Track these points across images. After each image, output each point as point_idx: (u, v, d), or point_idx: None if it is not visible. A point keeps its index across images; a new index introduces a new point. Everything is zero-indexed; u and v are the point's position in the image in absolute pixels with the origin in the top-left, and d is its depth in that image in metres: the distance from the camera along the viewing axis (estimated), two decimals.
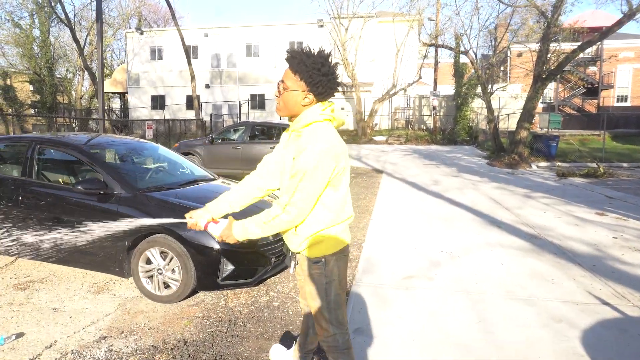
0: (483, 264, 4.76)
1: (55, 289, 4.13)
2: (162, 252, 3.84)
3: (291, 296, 3.99)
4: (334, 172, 1.92)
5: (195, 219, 2.20)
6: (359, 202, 8.57)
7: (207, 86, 31.63)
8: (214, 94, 31.94)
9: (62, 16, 24.14)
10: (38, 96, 36.13)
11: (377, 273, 4.46)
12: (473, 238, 5.82)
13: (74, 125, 29.53)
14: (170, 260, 3.79)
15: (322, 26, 29.12)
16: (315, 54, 1.95)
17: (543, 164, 14.85)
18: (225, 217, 2.21)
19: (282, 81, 2.00)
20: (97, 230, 4.03)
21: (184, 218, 2.26)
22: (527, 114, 15.23)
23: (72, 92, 38.90)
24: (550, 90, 31.44)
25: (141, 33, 32.40)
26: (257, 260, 3.96)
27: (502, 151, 16.78)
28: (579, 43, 14.78)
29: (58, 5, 24.73)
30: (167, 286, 3.85)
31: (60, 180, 4.62)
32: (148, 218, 3.79)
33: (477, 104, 26.38)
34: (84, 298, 3.94)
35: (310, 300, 2.15)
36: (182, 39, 21.89)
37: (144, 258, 3.86)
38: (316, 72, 1.91)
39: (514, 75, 30.19)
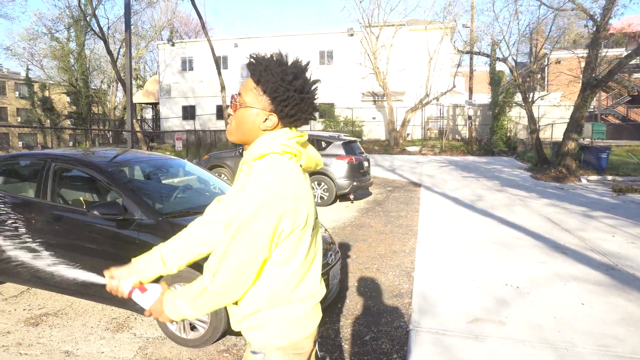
0: (560, 303, 4.04)
1: (70, 324, 3.66)
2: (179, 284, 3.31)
3: (339, 344, 3.39)
4: (280, 230, 1.27)
5: (116, 280, 1.57)
6: (400, 221, 7.91)
7: None
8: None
9: (97, 29, 24.52)
10: (74, 107, 36.99)
11: (436, 314, 3.81)
12: (538, 268, 5.08)
13: (108, 136, 30.01)
14: None
15: (352, 35, 28.65)
16: (289, 62, 1.37)
17: (593, 177, 13.79)
18: (158, 279, 1.58)
19: (239, 94, 1.41)
20: (116, 260, 3.57)
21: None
22: (574, 124, 14.23)
23: (107, 103, 39.71)
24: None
25: (172, 44, 32.74)
26: None
27: (546, 163, 15.78)
28: (622, 49, 13.72)
29: (93, 19, 25.16)
30: (193, 328, 3.32)
31: (77, 202, 4.19)
32: None
33: (514, 113, 25.28)
34: (101, 338, 3.44)
35: None
36: (212, 50, 21.81)
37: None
38: (286, 85, 1.32)
39: (554, 83, 28.90)
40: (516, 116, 25.45)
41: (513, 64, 17.42)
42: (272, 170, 1.29)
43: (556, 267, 5.09)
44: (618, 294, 4.25)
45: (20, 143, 38.55)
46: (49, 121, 36.88)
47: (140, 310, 3.45)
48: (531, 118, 17.21)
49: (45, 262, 3.81)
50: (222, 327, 3.21)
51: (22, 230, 3.89)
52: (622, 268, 5.06)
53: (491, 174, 15.38)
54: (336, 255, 3.88)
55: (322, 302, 3.55)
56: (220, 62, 23.77)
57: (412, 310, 3.91)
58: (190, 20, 44.69)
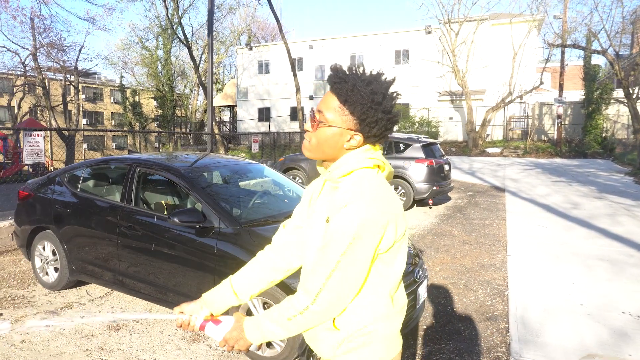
0: None
1: (148, 331, 3.65)
2: (264, 303, 3.14)
3: None
4: (384, 243, 1.26)
5: (186, 314, 1.49)
6: (485, 230, 7.30)
7: (311, 97, 31.83)
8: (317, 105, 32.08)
9: (182, 37, 25.87)
10: (160, 111, 39.46)
11: (541, 344, 3.31)
12: None
13: (189, 138, 31.64)
14: None
15: (429, 33, 27.64)
16: (376, 78, 1.28)
17: None
18: (228, 312, 1.52)
19: (320, 111, 1.32)
20: (193, 269, 3.49)
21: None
22: None
23: (189, 107, 41.95)
24: None
25: (250, 49, 33.76)
26: None
27: None
28: None
29: (179, 27, 26.62)
30: (269, 344, 3.14)
31: (158, 206, 4.21)
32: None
33: (612, 111, 22.91)
34: (177, 348, 3.38)
35: None
36: (289, 52, 22.08)
37: (244, 308, 3.19)
38: (375, 107, 1.26)
39: None
40: (614, 114, 23.05)
41: (614, 56, 15.70)
42: (368, 185, 1.26)
43: None
44: None
45: (113, 145, 41.88)
46: (138, 124, 39.71)
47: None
48: (635, 116, 15.44)
49: (127, 266, 3.86)
50: (300, 346, 2.99)
51: (107, 233, 3.97)
52: None
53: (585, 178, 13.95)
54: (424, 271, 3.52)
55: (408, 322, 3.16)
56: (295, 64, 24.03)
57: (511, 338, 3.44)
58: (267, 25, 45.94)
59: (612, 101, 21.01)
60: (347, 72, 1.28)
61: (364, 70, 1.30)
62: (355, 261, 1.21)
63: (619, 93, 20.43)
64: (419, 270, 3.42)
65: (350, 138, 1.29)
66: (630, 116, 15.36)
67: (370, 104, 1.25)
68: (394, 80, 1.35)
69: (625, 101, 15.82)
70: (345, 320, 1.30)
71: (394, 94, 1.31)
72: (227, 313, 1.51)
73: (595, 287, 4.53)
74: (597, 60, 22.38)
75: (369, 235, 1.20)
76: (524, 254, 5.80)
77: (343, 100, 1.26)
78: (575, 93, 26.51)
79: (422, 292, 3.50)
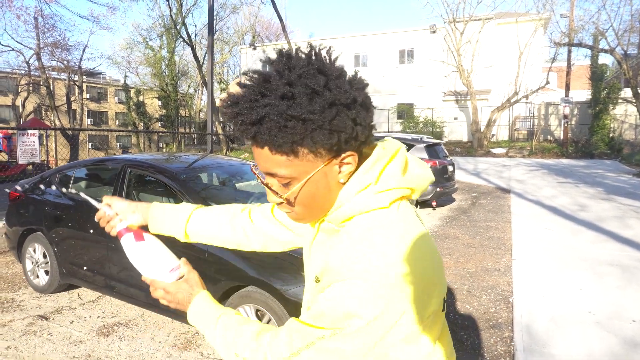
0: None
1: (139, 337, 3.52)
2: (257, 311, 3.00)
3: None
4: (400, 331, 0.76)
5: (112, 210, 1.14)
6: (490, 232, 7.13)
7: None
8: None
9: (185, 36, 25.84)
10: (164, 110, 39.44)
11: (547, 355, 3.15)
12: None
13: (193, 138, 31.60)
14: (267, 322, 2.94)
15: (434, 32, 27.44)
16: (297, 71, 0.76)
17: None
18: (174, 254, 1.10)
19: (272, 174, 0.82)
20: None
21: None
22: None
23: (193, 106, 41.92)
24: None
25: (254, 48, 33.67)
26: None
27: None
28: None
29: (182, 27, 26.57)
30: None
31: None
32: (244, 266, 3.01)
33: (619, 110, 22.62)
34: (168, 356, 3.25)
35: None
36: None
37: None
38: (347, 113, 0.76)
39: None
40: (621, 114, 22.76)
41: (622, 55, 15.45)
42: (382, 249, 0.76)
43: None
44: None
45: (118, 144, 41.90)
46: (142, 124, 39.73)
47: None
48: None
49: (118, 270, 3.73)
50: None
51: (97, 236, 3.84)
52: None
53: (592, 179, 13.73)
54: None
55: None
56: None
57: (515, 348, 3.28)
58: (271, 24, 45.84)
59: (620, 101, 20.75)
60: (244, 93, 0.77)
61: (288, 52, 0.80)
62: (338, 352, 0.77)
63: (626, 93, 20.14)
64: None
65: (339, 169, 0.82)
66: (638, 116, 15.10)
67: (319, 114, 0.74)
68: (336, 58, 0.81)
69: (634, 101, 15.57)
70: None
71: (340, 73, 0.78)
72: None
73: (604, 294, 4.36)
74: (605, 59, 22.08)
75: (389, 319, 0.74)
76: (530, 258, 5.63)
77: (293, 141, 0.76)
78: (582, 93, 26.20)
79: None
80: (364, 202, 0.81)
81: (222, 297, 3.10)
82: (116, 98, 46.54)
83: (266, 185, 0.86)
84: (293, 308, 2.81)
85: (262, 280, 2.91)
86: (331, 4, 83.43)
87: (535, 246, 6.22)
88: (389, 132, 24.63)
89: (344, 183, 0.83)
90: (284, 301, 2.85)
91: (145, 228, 1.16)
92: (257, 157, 0.83)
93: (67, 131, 21.43)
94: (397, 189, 0.83)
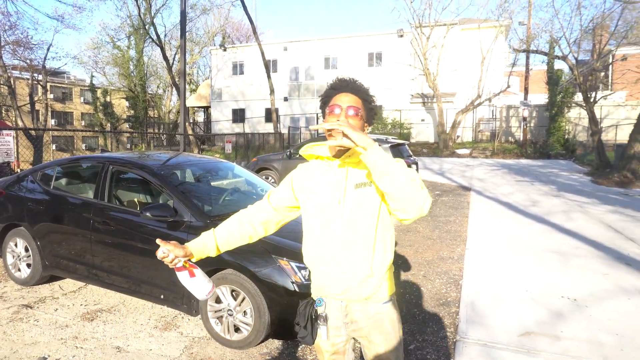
0: (623, 318, 3.75)
1: (122, 321, 3.82)
2: (232, 291, 3.37)
3: None
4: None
5: (169, 252, 1.69)
6: (448, 226, 7.68)
7: (286, 99, 32.02)
8: (292, 106, 32.25)
9: (154, 37, 25.67)
10: (132, 111, 38.90)
11: (486, 325, 3.64)
12: (599, 280, 4.76)
13: (162, 139, 31.34)
14: (242, 301, 3.31)
15: (401, 36, 28.23)
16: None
17: None
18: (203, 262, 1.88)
19: (353, 106, 1.68)
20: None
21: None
22: None
23: (162, 107, 41.47)
24: None
25: (224, 50, 33.67)
26: None
27: (608, 167, 14.83)
28: None
29: (151, 27, 26.38)
30: (237, 329, 3.36)
31: (131, 203, 4.37)
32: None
33: (574, 114, 23.96)
34: (150, 335, 3.56)
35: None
36: (263, 54, 22.22)
37: (213, 296, 3.41)
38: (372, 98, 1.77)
39: (619, 81, 27.08)
40: (575, 117, 24.10)
41: (574, 61, 16.46)
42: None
43: (620, 281, 4.74)
44: None
45: (84, 145, 41.02)
46: (109, 125, 39.07)
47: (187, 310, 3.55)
48: (592, 119, 16.25)
49: (100, 260, 4.01)
50: (265, 331, 3.22)
51: (81, 229, 4.11)
52: None
53: (547, 178, 14.64)
54: None
55: None
56: (270, 66, 24.18)
57: (460, 320, 3.76)
58: (242, 26, 45.84)
59: (574, 105, 22.01)
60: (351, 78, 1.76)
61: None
62: None
63: (579, 97, 21.38)
64: None
65: (366, 128, 1.75)
66: (588, 119, 16.16)
67: (370, 97, 1.75)
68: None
69: (585, 105, 16.62)
70: (378, 264, 1.78)
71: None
72: (203, 268, 1.81)
73: (541, 275, 4.93)
74: (561, 65, 23.33)
75: None
76: (482, 248, 6.18)
77: (363, 99, 1.70)
78: (540, 96, 27.56)
79: None
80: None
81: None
82: (82, 98, 45.52)
83: (349, 111, 1.66)
84: (266, 288, 3.19)
85: (237, 263, 3.27)
86: (302, 5, 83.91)
87: (488, 237, 6.79)
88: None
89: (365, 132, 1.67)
90: (257, 282, 3.22)
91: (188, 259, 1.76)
92: (349, 101, 1.67)
93: (30, 132, 20.96)
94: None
